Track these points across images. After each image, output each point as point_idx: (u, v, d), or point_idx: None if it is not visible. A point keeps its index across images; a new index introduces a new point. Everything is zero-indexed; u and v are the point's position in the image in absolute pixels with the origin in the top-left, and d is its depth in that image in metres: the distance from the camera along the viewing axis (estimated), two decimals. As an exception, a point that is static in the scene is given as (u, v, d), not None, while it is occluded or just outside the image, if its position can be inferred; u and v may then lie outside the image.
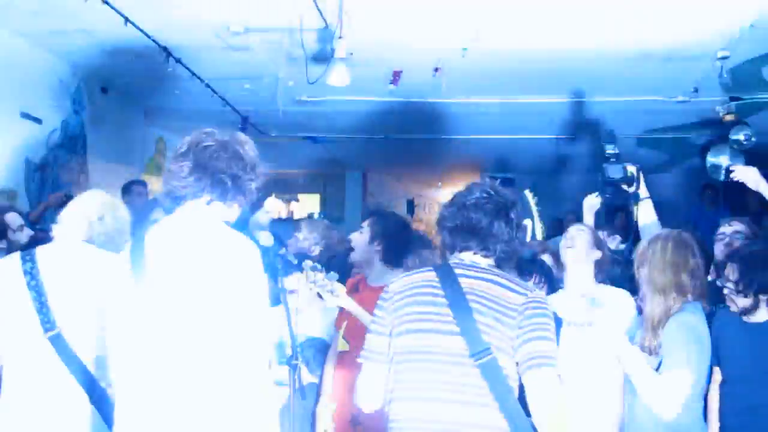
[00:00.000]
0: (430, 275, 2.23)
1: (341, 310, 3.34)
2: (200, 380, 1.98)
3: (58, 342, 2.59)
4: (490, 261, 2.26)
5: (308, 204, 12.08)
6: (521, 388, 2.10)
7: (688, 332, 2.76)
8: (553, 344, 2.10)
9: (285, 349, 3.54)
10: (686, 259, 2.93)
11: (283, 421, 3.09)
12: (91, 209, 2.79)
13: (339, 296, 3.05)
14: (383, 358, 2.22)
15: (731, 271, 2.89)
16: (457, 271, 2.20)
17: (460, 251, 2.26)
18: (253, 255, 2.07)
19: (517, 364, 2.08)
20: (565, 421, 2.05)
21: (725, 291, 2.94)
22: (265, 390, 2.07)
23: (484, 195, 2.26)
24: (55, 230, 2.80)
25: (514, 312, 2.09)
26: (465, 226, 2.25)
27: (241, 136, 2.28)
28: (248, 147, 2.24)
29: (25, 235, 3.90)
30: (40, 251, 2.73)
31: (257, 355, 2.03)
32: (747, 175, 3.25)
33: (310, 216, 11.44)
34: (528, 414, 2.06)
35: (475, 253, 2.24)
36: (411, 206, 11.71)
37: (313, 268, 3.05)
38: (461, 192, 2.33)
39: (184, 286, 2.01)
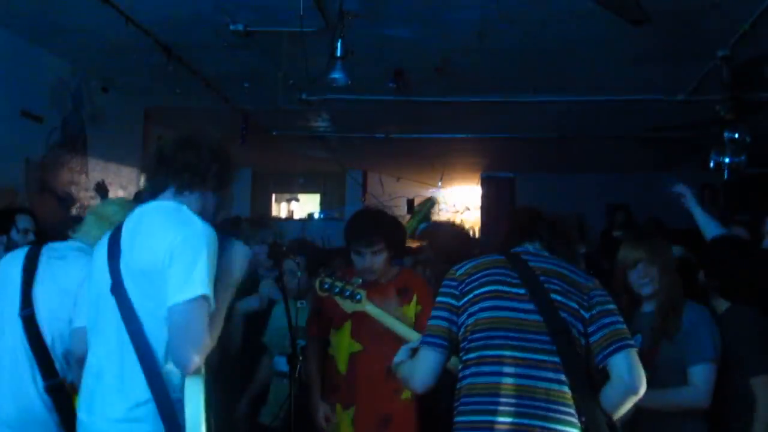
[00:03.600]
0: (498, 260, 2.33)
1: (313, 311, 3.32)
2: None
3: (28, 323, 2.69)
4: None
5: (308, 204, 12.09)
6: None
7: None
8: (625, 326, 2.20)
9: (284, 340, 3.53)
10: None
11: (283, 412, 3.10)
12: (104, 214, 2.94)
13: (362, 301, 2.95)
14: (444, 344, 2.25)
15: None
16: (525, 257, 2.33)
17: (522, 242, 2.42)
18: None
19: (594, 345, 2.16)
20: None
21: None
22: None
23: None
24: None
25: (585, 296, 2.20)
26: (531, 223, 2.45)
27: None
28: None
29: (26, 240, 3.93)
30: (49, 246, 2.90)
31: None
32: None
33: (311, 216, 11.47)
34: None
35: (541, 246, 2.40)
36: (411, 206, 11.69)
37: (329, 275, 2.98)
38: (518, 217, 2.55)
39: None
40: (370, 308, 2.96)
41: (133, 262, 2.17)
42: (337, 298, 2.99)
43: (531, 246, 2.42)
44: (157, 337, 2.11)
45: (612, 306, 2.23)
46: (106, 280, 2.20)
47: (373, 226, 3.23)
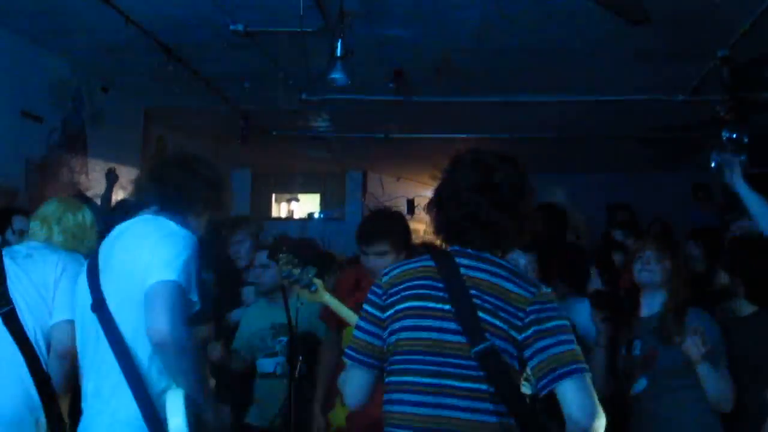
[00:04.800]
0: (427, 267, 2.01)
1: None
2: None
3: (9, 319, 2.69)
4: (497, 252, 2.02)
5: (308, 204, 12.08)
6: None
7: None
8: (573, 346, 1.86)
9: (267, 341, 3.55)
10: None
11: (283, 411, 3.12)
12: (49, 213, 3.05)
13: (318, 292, 2.93)
14: (370, 362, 2.04)
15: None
16: (458, 259, 1.98)
17: (462, 244, 2.02)
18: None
19: (532, 374, 1.87)
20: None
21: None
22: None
23: (482, 176, 2.02)
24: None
25: (521, 312, 1.88)
26: (463, 219, 2.00)
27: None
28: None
29: (21, 241, 3.95)
30: (7, 249, 2.97)
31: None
32: None
33: (311, 215, 11.46)
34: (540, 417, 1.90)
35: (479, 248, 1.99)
36: (411, 206, 11.68)
37: (288, 261, 2.94)
38: (454, 173, 2.10)
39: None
40: (329, 298, 2.93)
41: (116, 274, 2.18)
42: (296, 287, 2.95)
43: (469, 246, 2.01)
44: (143, 350, 2.11)
45: (555, 323, 1.87)
46: (87, 301, 2.21)
47: (379, 227, 3.21)
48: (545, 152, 9.21)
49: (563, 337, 1.87)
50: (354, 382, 2.07)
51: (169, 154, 2.54)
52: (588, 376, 1.84)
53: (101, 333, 2.14)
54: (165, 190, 2.34)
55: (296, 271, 2.90)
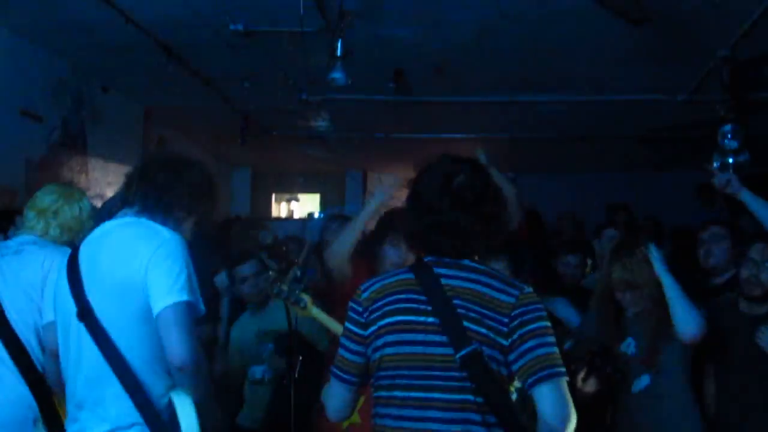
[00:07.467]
0: (407, 279, 1.99)
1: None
2: None
3: None
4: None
5: (308, 203, 12.08)
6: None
7: None
8: (554, 348, 1.87)
9: (253, 349, 3.59)
10: None
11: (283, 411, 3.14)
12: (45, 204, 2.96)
13: (307, 308, 2.97)
14: (353, 379, 2.05)
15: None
16: (437, 269, 1.96)
17: (436, 253, 2.01)
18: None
19: (517, 376, 1.87)
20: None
21: (746, 274, 2.99)
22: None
23: (442, 182, 1.99)
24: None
25: (506, 318, 1.87)
26: (429, 226, 1.99)
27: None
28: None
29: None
30: (12, 242, 2.93)
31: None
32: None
33: (310, 215, 11.46)
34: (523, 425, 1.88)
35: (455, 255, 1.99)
36: (411, 206, 11.66)
37: (276, 279, 3.02)
38: (418, 183, 2.08)
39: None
40: (316, 313, 2.97)
41: (104, 281, 2.12)
42: (288, 304, 2.99)
43: (443, 254, 2.00)
44: (138, 356, 2.08)
45: (539, 325, 1.88)
46: (70, 307, 2.15)
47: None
48: (545, 152, 9.22)
49: (547, 339, 1.88)
50: (337, 398, 2.09)
51: (162, 153, 2.47)
52: (565, 380, 1.86)
53: (88, 341, 2.10)
54: (147, 190, 2.28)
55: (285, 288, 2.95)
